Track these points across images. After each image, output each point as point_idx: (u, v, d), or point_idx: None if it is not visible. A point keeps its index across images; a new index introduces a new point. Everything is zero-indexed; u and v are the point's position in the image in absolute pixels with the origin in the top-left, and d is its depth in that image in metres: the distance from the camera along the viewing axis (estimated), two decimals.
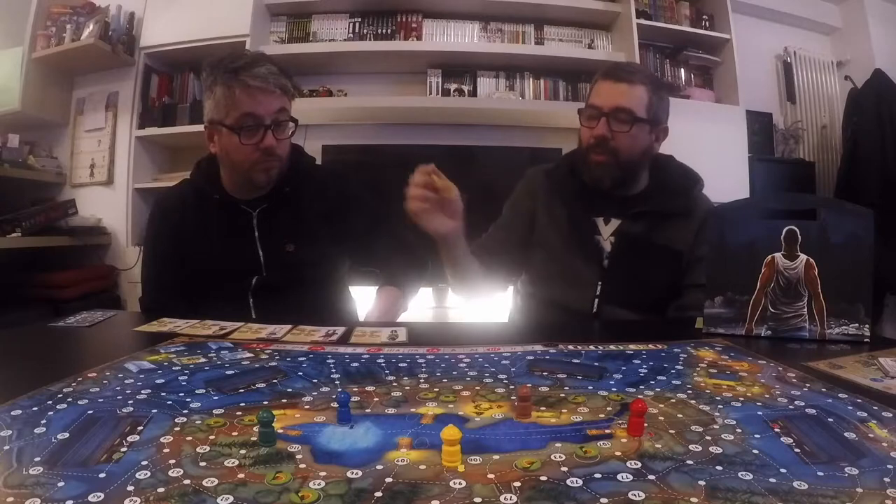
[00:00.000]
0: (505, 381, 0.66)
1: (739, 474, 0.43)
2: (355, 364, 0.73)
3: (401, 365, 0.73)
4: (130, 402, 0.58)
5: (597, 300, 1.22)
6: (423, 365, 0.73)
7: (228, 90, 1.10)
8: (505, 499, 0.40)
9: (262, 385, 0.65)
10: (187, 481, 0.42)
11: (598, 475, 0.43)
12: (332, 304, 1.31)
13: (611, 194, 1.26)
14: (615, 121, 1.17)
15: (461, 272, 1.23)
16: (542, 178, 1.34)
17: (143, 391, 0.61)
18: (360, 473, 0.43)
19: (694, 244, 1.21)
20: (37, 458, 0.45)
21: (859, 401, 0.59)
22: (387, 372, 0.70)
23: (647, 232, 1.22)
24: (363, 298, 1.39)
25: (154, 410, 0.56)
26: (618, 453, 0.47)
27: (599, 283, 1.22)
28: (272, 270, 1.22)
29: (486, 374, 0.69)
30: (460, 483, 0.42)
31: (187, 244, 1.22)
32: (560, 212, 1.29)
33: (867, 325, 0.88)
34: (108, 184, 2.79)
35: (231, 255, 1.21)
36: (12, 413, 0.54)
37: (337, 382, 0.66)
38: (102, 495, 0.39)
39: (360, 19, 2.86)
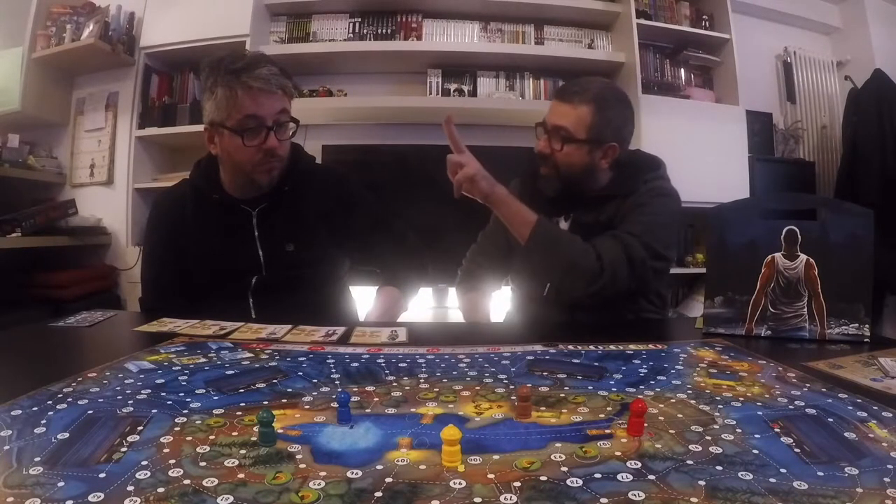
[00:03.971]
0: (505, 381, 0.66)
1: (739, 474, 0.43)
2: (355, 364, 0.73)
3: (401, 365, 0.73)
4: (130, 402, 0.58)
5: (549, 286, 1.26)
6: (423, 365, 0.73)
7: (230, 92, 1.10)
8: (505, 499, 0.40)
9: (262, 385, 0.65)
10: (187, 481, 0.42)
11: (598, 475, 0.43)
12: (332, 304, 1.31)
13: (576, 195, 1.28)
14: (554, 138, 1.22)
15: (521, 223, 1.20)
16: (518, 185, 1.38)
17: (143, 391, 0.61)
18: (360, 473, 0.43)
19: (626, 213, 1.20)
20: (37, 458, 0.45)
21: (859, 401, 0.59)
22: (387, 372, 0.70)
23: (595, 216, 1.24)
24: (363, 298, 1.39)
25: (154, 410, 0.56)
26: (618, 453, 0.47)
27: None
28: (272, 270, 1.22)
29: (486, 374, 0.69)
30: (460, 483, 0.42)
31: (187, 244, 1.22)
32: None
33: (867, 325, 0.88)
34: (108, 184, 2.79)
35: (231, 255, 1.21)
36: (12, 413, 0.54)
37: (337, 382, 0.66)
38: (102, 495, 0.39)
39: (360, 19, 2.86)
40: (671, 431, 0.51)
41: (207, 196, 1.23)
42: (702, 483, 0.42)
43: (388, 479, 0.42)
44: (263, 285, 1.21)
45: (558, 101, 1.24)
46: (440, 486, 0.41)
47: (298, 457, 0.46)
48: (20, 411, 0.55)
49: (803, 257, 0.90)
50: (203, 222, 1.22)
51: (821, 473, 0.43)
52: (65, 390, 0.61)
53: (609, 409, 0.57)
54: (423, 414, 0.56)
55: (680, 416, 0.55)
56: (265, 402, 0.59)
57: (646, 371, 0.70)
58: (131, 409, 0.56)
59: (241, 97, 1.10)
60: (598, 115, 1.20)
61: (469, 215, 1.40)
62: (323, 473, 0.43)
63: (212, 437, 0.50)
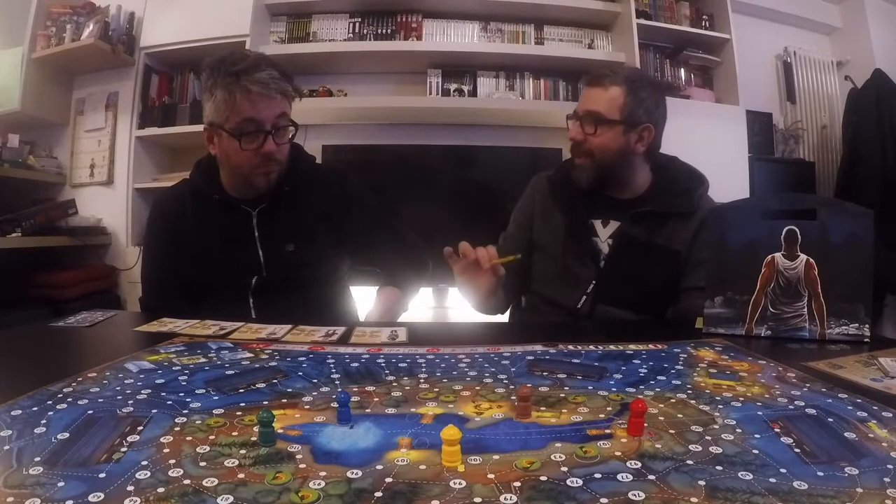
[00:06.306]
0: (505, 381, 0.66)
1: (739, 474, 0.43)
2: (355, 364, 0.73)
3: (401, 365, 0.73)
4: (130, 402, 0.58)
5: (585, 297, 1.23)
6: (423, 365, 0.73)
7: (229, 94, 1.09)
8: (505, 499, 0.39)
9: (262, 385, 0.65)
10: (187, 481, 0.42)
11: (598, 475, 0.43)
12: (332, 303, 1.31)
13: (610, 196, 1.27)
14: (586, 123, 1.21)
15: (491, 303, 1.27)
16: (543, 183, 1.36)
17: (143, 391, 0.61)
18: (360, 473, 0.43)
19: (692, 246, 1.21)
20: (37, 458, 0.45)
21: (859, 401, 0.59)
22: (387, 372, 0.70)
23: (647, 233, 1.22)
24: (363, 298, 1.39)
25: (154, 410, 0.56)
26: (618, 453, 0.47)
27: (593, 282, 1.23)
28: (272, 270, 1.22)
29: (486, 374, 0.69)
30: (460, 483, 0.42)
31: (187, 244, 1.22)
32: (557, 215, 1.30)
33: (867, 325, 0.88)
34: (108, 184, 2.79)
35: (231, 255, 1.21)
36: (12, 413, 0.54)
37: (337, 382, 0.66)
38: (102, 495, 0.39)
39: (360, 19, 2.86)
40: (671, 431, 0.51)
41: (207, 196, 1.23)
42: (702, 483, 0.42)
43: (388, 479, 0.42)
44: (263, 286, 1.21)
45: (588, 87, 1.23)
46: (440, 486, 0.41)
47: (298, 457, 0.46)
48: (20, 411, 0.55)
49: (803, 257, 0.90)
50: (203, 222, 1.22)
51: (821, 473, 0.43)
52: (65, 390, 0.61)
53: (609, 409, 0.57)
54: (423, 414, 0.56)
55: (680, 416, 0.55)
56: (265, 402, 0.59)
57: (646, 371, 0.70)
58: (131, 409, 0.56)
59: (239, 100, 1.09)
60: (631, 96, 1.19)
61: (469, 215, 1.40)
62: (323, 473, 0.43)
63: (212, 437, 0.50)
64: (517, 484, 0.41)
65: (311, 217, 1.25)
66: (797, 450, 0.47)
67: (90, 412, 0.55)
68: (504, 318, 1.48)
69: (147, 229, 1.33)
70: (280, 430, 0.51)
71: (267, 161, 1.15)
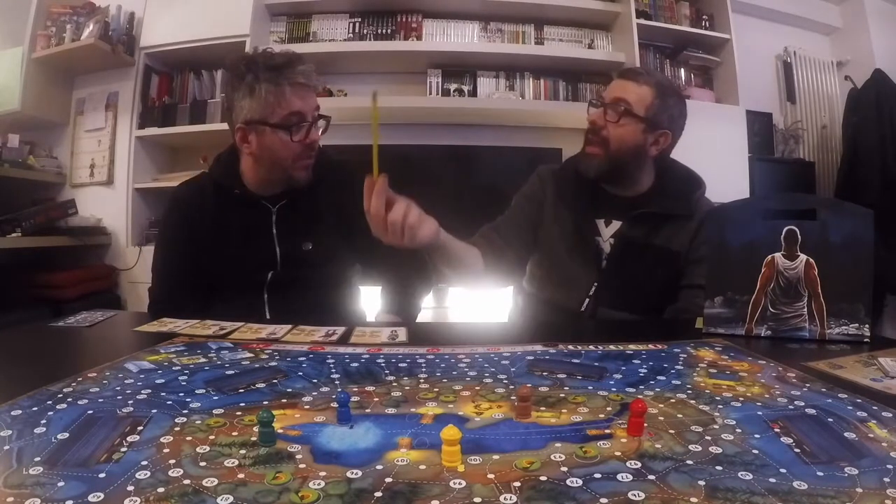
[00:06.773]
0: (505, 381, 0.66)
1: (739, 474, 0.43)
2: (355, 364, 0.73)
3: (401, 365, 0.73)
4: (130, 402, 0.58)
5: (588, 300, 1.23)
6: (423, 365, 0.73)
7: (277, 88, 1.12)
8: (505, 499, 0.39)
9: (262, 385, 0.65)
10: (187, 481, 0.42)
11: (597, 475, 0.43)
12: (346, 302, 1.32)
13: (613, 196, 1.27)
14: (611, 111, 1.20)
15: (457, 263, 1.13)
16: (551, 177, 1.36)
17: (143, 391, 0.61)
18: (359, 473, 0.43)
19: (691, 247, 1.22)
20: (37, 458, 0.45)
21: (859, 401, 0.59)
22: (387, 372, 0.70)
23: (646, 234, 1.23)
24: (367, 298, 1.40)
25: (154, 410, 0.56)
26: (618, 453, 0.47)
27: (595, 284, 1.23)
28: (287, 268, 1.22)
29: (486, 374, 0.69)
30: (460, 483, 0.42)
31: (203, 235, 1.22)
32: (563, 213, 1.30)
33: (867, 325, 0.87)
34: (108, 184, 2.79)
35: (247, 251, 1.21)
36: (12, 413, 0.54)
37: (337, 382, 0.66)
38: (102, 495, 0.39)
39: (360, 19, 2.86)
40: (671, 431, 0.51)
41: (227, 190, 1.23)
42: (702, 483, 0.42)
43: (388, 479, 0.42)
44: (278, 282, 1.22)
45: (621, 79, 1.24)
46: (440, 486, 0.41)
47: (298, 457, 0.46)
48: (20, 411, 0.55)
49: (803, 257, 0.90)
50: (221, 216, 1.23)
51: (821, 473, 0.43)
52: (65, 390, 0.61)
53: (609, 409, 0.57)
54: (423, 414, 0.56)
55: (680, 416, 0.55)
56: (265, 402, 0.59)
57: (646, 371, 0.70)
58: (131, 409, 0.56)
59: (288, 94, 1.12)
60: (660, 99, 1.20)
61: (469, 215, 1.40)
62: (323, 473, 0.43)
63: (212, 437, 0.50)
64: (517, 484, 0.41)
65: (329, 215, 1.26)
66: (797, 450, 0.47)
67: (90, 412, 0.55)
68: (504, 318, 1.48)
69: (164, 219, 1.34)
70: (280, 430, 0.51)
71: (309, 152, 1.18)
